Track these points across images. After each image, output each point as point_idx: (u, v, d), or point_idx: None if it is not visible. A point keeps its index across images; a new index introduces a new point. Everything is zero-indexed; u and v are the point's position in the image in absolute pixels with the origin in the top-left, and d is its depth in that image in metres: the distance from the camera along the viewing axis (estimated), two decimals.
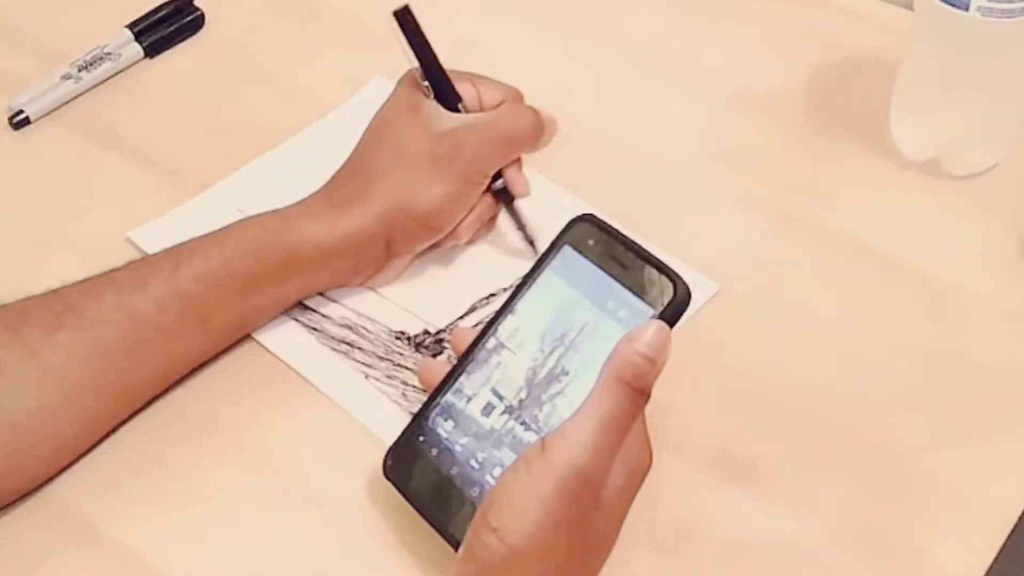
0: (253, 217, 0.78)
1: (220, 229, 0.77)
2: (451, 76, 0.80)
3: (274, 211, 0.79)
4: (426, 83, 0.79)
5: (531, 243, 0.83)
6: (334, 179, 0.80)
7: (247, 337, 0.80)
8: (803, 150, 0.92)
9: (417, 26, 0.79)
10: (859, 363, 0.79)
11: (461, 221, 0.81)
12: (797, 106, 0.94)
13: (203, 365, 0.79)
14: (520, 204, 0.83)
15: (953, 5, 0.80)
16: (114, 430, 0.76)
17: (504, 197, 0.82)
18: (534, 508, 0.60)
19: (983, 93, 0.85)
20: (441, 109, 0.79)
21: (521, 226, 0.83)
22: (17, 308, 0.74)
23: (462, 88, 0.80)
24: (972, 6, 0.80)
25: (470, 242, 0.84)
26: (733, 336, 0.80)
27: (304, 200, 0.79)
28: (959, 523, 0.72)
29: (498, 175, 0.81)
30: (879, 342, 0.80)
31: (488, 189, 0.81)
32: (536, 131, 0.81)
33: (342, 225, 0.78)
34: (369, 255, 0.80)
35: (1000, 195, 0.88)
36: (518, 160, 0.82)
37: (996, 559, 0.71)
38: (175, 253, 0.76)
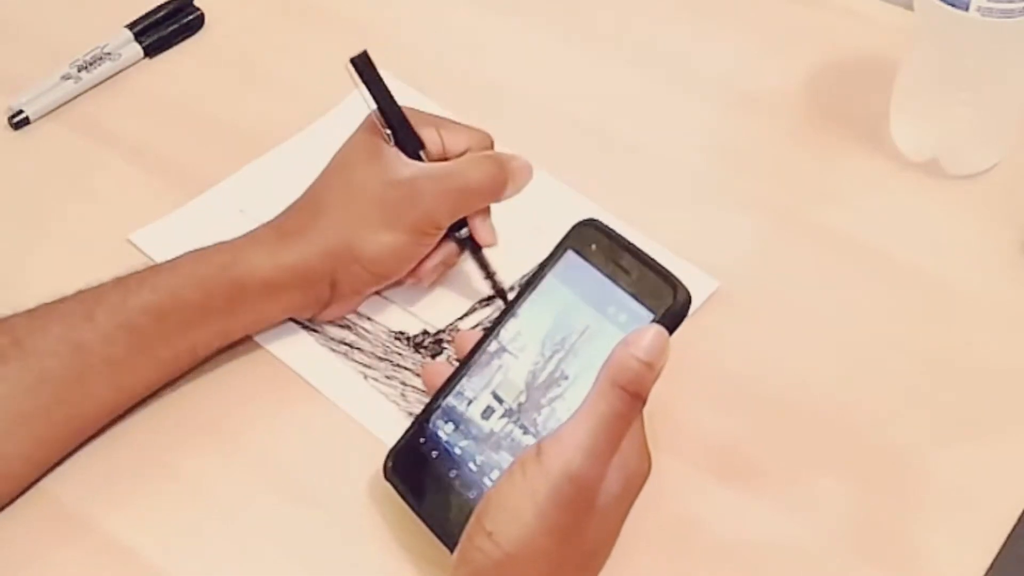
0: (203, 248, 0.77)
1: (170, 260, 0.77)
2: (415, 121, 0.78)
3: (224, 242, 0.78)
4: (387, 130, 0.78)
5: (500, 292, 0.80)
6: (286, 212, 0.79)
7: (246, 337, 0.80)
8: (803, 150, 0.92)
9: (376, 73, 0.78)
10: (858, 362, 0.79)
11: (424, 263, 0.79)
12: (797, 106, 0.94)
13: (201, 365, 0.78)
14: (487, 253, 0.80)
15: (953, 5, 0.80)
16: (110, 428, 0.76)
17: (469, 245, 0.80)
18: (528, 512, 0.60)
19: (983, 93, 0.85)
20: (401, 156, 0.77)
21: (489, 275, 0.80)
22: None
23: (426, 134, 0.78)
24: (972, 6, 0.80)
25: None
26: (733, 336, 0.80)
27: (253, 231, 0.78)
28: (959, 523, 0.72)
29: (463, 223, 0.79)
30: (878, 341, 0.80)
31: (451, 235, 0.79)
32: (497, 184, 0.79)
33: (286, 258, 0.77)
34: (314, 292, 0.78)
35: (1000, 195, 0.88)
36: (485, 208, 0.80)
37: (996, 559, 0.71)
38: (124, 284, 0.75)
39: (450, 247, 0.80)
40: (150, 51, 1.00)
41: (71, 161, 0.93)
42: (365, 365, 0.79)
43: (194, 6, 1.02)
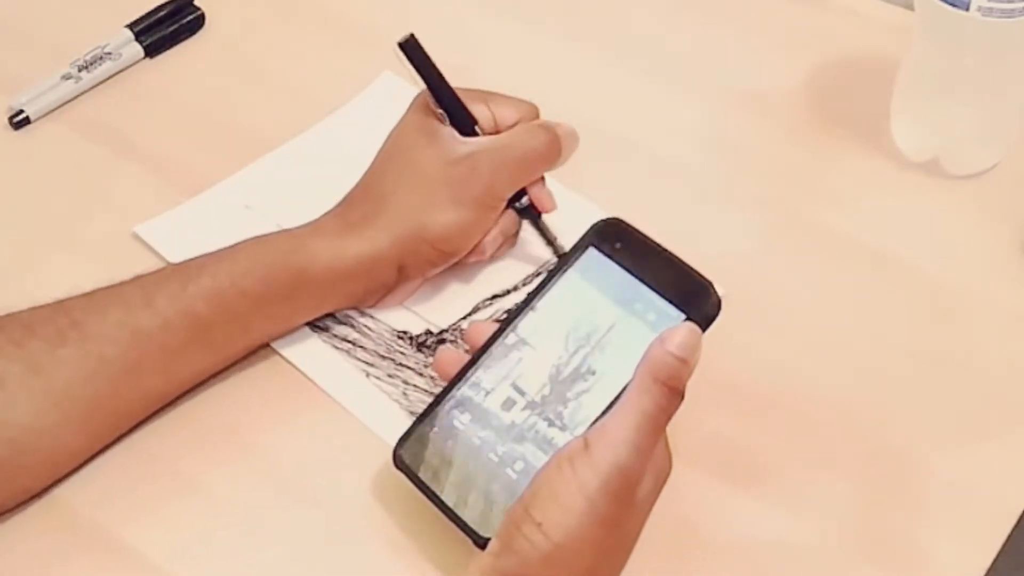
0: (264, 236, 0.78)
1: (230, 246, 0.76)
2: (464, 98, 0.79)
3: (286, 231, 0.78)
4: (440, 110, 0.78)
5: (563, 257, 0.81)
6: (347, 200, 0.79)
7: None
8: (803, 150, 0.92)
9: (424, 54, 0.78)
10: (858, 362, 0.79)
11: (484, 237, 0.80)
12: (798, 106, 0.94)
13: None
14: (546, 219, 0.81)
15: (953, 5, 0.81)
16: (122, 436, 0.76)
17: (529, 214, 0.81)
18: (579, 504, 0.61)
19: (983, 93, 0.85)
20: (456, 134, 0.78)
21: (550, 241, 0.80)
22: (23, 320, 0.73)
23: (476, 110, 0.79)
24: (972, 6, 0.80)
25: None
26: (732, 336, 0.80)
27: (316, 221, 0.79)
28: (960, 523, 0.72)
29: (521, 192, 0.80)
30: (878, 341, 0.80)
31: (511, 206, 0.80)
32: (552, 151, 0.80)
33: (354, 248, 0.77)
34: (380, 278, 0.79)
35: (1000, 195, 0.88)
36: (541, 176, 0.81)
37: (996, 559, 0.71)
38: (183, 270, 0.75)
39: (509, 218, 0.81)
40: (150, 51, 0.99)
41: (71, 161, 0.93)
42: (367, 363, 0.79)
43: (194, 6, 1.02)
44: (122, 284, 0.75)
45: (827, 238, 0.86)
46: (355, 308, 0.81)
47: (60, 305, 0.74)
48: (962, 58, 0.84)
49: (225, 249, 0.76)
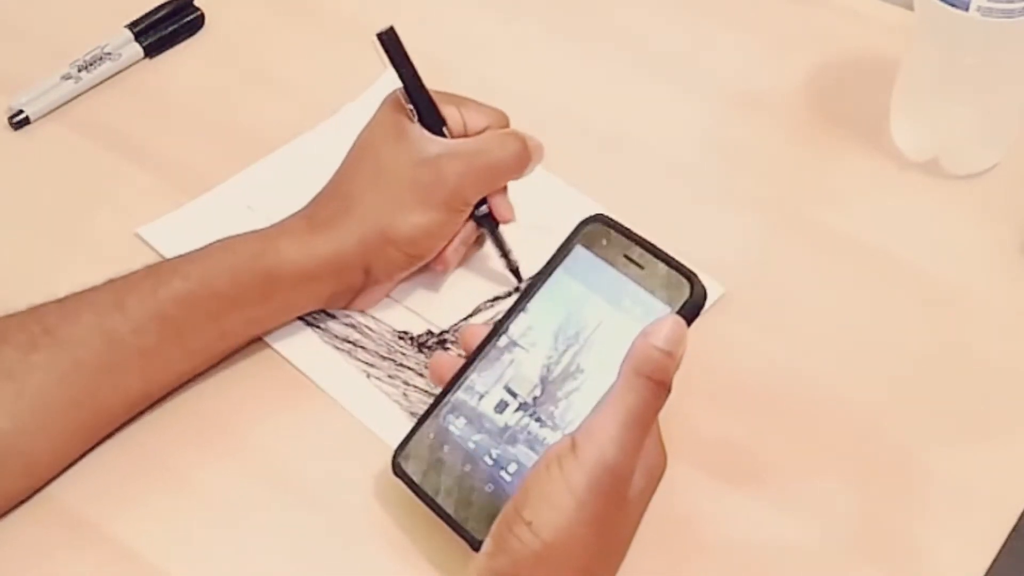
0: (233, 237, 0.77)
1: (201, 248, 0.76)
2: (436, 99, 0.79)
3: (255, 231, 0.78)
4: (410, 106, 0.78)
5: (515, 271, 0.82)
6: (315, 200, 0.79)
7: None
8: (803, 150, 0.92)
9: (402, 48, 0.78)
10: (859, 362, 0.79)
11: (445, 247, 0.80)
12: (797, 106, 0.94)
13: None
14: (504, 230, 0.81)
15: (953, 5, 0.81)
16: (114, 432, 0.76)
17: (488, 223, 0.81)
18: (568, 503, 0.61)
19: (983, 93, 0.85)
20: (425, 133, 0.78)
21: (504, 253, 0.81)
22: None
23: (447, 112, 0.79)
24: (972, 6, 0.80)
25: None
26: (732, 336, 0.80)
27: (284, 220, 0.79)
28: (960, 523, 0.72)
29: (482, 200, 0.80)
30: (880, 342, 0.80)
31: (471, 215, 0.80)
32: (522, 160, 0.80)
33: (320, 248, 0.77)
34: (347, 280, 0.79)
35: (1000, 195, 0.88)
36: (504, 185, 0.81)
37: (996, 558, 0.71)
38: (155, 273, 0.75)
39: (468, 227, 0.81)
40: (150, 51, 0.99)
41: (71, 161, 0.93)
42: (368, 364, 0.79)
43: (194, 6, 1.02)
44: (95, 289, 0.75)
45: (827, 238, 0.86)
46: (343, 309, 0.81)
47: (32, 312, 0.73)
48: (962, 58, 0.84)
49: (196, 251, 0.76)
